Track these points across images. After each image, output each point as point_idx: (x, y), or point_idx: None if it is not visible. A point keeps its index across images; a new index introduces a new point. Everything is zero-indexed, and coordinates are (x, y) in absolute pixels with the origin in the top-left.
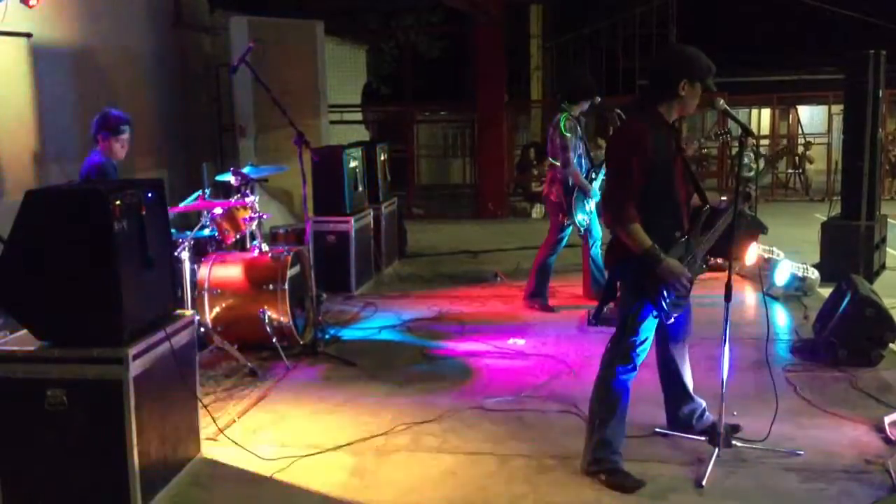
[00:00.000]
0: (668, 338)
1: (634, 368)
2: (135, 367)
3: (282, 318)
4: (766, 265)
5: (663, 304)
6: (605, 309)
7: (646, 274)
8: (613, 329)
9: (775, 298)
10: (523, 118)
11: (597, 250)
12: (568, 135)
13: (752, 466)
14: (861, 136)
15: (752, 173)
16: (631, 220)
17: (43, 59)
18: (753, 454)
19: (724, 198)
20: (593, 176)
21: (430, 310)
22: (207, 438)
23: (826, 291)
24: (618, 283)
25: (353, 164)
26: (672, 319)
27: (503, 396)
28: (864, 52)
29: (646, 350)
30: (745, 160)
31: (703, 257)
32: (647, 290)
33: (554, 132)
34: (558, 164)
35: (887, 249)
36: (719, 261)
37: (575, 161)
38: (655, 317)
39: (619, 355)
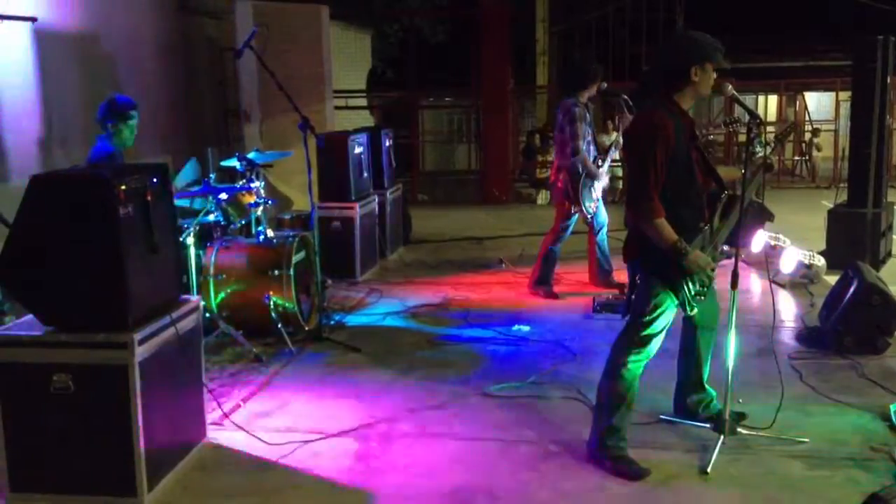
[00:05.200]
0: (696, 325)
1: (647, 358)
2: (140, 352)
3: (287, 304)
4: (773, 252)
5: (687, 295)
6: (610, 296)
7: (670, 266)
8: (618, 316)
9: (781, 286)
10: (529, 104)
11: (603, 237)
12: (578, 123)
13: (757, 454)
14: (868, 123)
15: (759, 151)
16: (658, 215)
17: (47, 43)
18: (758, 441)
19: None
20: (599, 163)
21: (434, 296)
22: (212, 423)
23: (832, 279)
24: (636, 276)
25: (358, 150)
26: (695, 311)
27: (508, 383)
28: (872, 38)
29: (661, 340)
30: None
31: (721, 245)
32: (671, 281)
33: (563, 119)
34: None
35: (894, 237)
36: (725, 248)
37: (584, 148)
38: (676, 307)
39: (634, 345)
